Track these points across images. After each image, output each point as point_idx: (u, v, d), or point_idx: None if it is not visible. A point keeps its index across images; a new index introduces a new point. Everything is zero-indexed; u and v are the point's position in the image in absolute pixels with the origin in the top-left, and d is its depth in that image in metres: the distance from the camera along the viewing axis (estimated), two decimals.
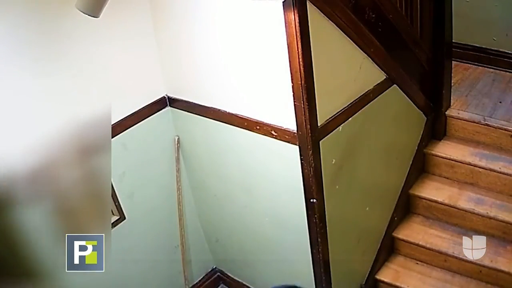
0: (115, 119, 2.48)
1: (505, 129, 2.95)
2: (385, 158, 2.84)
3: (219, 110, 2.48)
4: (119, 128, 2.51)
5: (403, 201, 3.07)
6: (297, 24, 1.91)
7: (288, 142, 2.27)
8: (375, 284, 3.05)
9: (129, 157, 2.61)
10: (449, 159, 3.05)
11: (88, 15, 1.84)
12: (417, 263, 3.03)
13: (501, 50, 3.44)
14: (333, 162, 2.38)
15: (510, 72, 3.45)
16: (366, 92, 2.45)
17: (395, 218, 3.04)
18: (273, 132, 2.31)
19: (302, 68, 2.00)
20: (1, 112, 2.05)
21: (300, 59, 1.98)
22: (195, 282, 3.25)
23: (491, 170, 2.91)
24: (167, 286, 3.08)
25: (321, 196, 2.36)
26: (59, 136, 2.24)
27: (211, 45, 2.34)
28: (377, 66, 2.46)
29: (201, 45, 2.37)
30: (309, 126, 2.14)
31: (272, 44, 2.07)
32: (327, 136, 2.28)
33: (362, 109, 2.44)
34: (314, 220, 2.41)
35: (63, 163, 2.22)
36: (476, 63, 3.55)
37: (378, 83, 2.51)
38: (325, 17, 2.06)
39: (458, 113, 3.11)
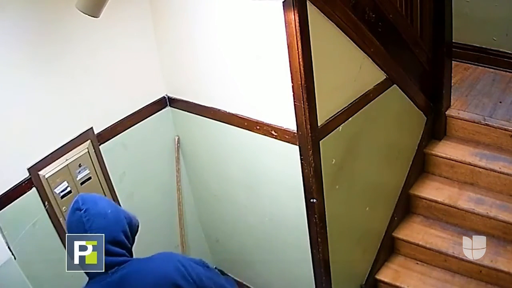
0: (115, 119, 2.48)
1: (505, 129, 2.95)
2: (385, 158, 2.84)
3: (219, 110, 2.48)
4: (119, 128, 2.50)
5: (403, 201, 3.07)
6: (297, 24, 1.91)
7: (288, 142, 2.27)
8: (375, 284, 3.05)
9: (129, 157, 2.61)
10: (449, 159, 3.05)
11: (88, 15, 1.84)
12: (417, 263, 3.03)
13: (501, 50, 3.44)
14: (333, 162, 2.38)
15: (510, 72, 3.45)
16: (366, 92, 2.45)
17: (395, 218, 3.04)
18: (273, 132, 2.30)
19: (302, 68, 2.00)
20: (1, 112, 2.05)
21: (300, 59, 1.98)
22: None
23: (491, 170, 2.91)
24: None
25: (321, 196, 2.36)
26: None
27: (211, 45, 2.33)
28: (377, 66, 2.46)
29: (201, 45, 2.37)
30: (309, 126, 2.14)
31: (272, 44, 2.07)
32: (327, 136, 2.28)
33: (362, 109, 2.44)
34: (314, 220, 2.41)
35: None
36: (476, 63, 3.55)
37: (378, 83, 2.51)
38: (325, 17, 2.06)
39: (458, 113, 3.11)
